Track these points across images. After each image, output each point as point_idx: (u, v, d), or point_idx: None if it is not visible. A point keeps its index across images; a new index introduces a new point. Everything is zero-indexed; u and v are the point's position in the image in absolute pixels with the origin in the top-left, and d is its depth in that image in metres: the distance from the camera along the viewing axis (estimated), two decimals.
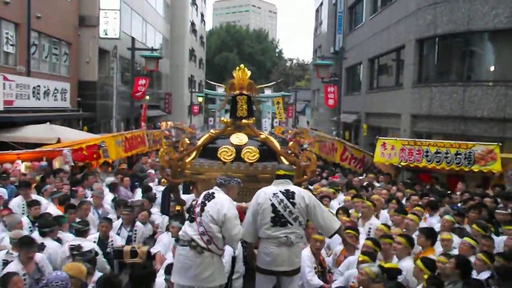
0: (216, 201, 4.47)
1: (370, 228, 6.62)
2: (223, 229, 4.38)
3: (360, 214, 7.13)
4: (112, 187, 9.16)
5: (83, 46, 20.66)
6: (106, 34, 21.02)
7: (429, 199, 8.21)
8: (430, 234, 5.58)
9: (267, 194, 4.62)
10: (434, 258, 4.90)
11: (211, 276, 4.39)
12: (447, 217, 6.50)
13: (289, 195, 4.57)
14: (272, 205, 4.53)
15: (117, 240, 6.53)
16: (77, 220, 6.33)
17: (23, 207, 7.24)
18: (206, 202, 4.48)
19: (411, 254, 5.29)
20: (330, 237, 4.93)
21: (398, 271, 4.69)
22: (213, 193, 4.58)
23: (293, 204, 4.51)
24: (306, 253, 5.34)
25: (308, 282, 5.23)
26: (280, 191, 4.60)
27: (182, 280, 4.42)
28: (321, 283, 5.28)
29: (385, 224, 6.42)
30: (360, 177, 11.67)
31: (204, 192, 4.68)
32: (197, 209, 4.47)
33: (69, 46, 19.78)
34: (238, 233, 4.46)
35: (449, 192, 9.75)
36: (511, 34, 12.88)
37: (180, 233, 4.55)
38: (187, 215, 4.66)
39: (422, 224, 6.62)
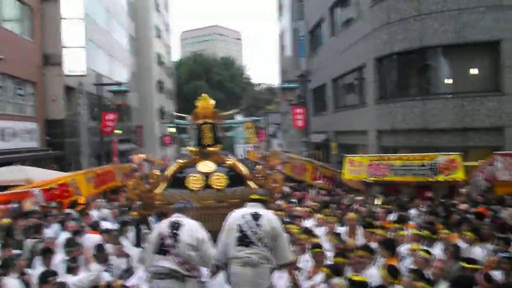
0: (187, 228, 4.57)
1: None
2: (200, 251, 4.52)
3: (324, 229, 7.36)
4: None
5: (48, 85, 20.52)
6: (71, 72, 20.98)
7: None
8: (388, 245, 5.86)
9: (236, 215, 4.79)
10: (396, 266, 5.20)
11: None
12: (411, 230, 6.72)
13: (256, 217, 4.71)
14: (239, 225, 4.67)
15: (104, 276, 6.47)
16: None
17: None
18: (177, 232, 4.53)
19: (375, 263, 5.54)
20: (280, 267, 5.03)
21: (365, 285, 4.87)
22: (177, 221, 4.65)
23: (258, 225, 4.64)
24: (281, 273, 5.48)
25: None
26: (249, 213, 4.76)
27: None
28: None
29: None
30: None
31: (166, 222, 4.69)
32: (169, 241, 4.50)
33: (34, 86, 19.65)
34: (213, 253, 4.65)
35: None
36: (462, 48, 13.61)
37: (153, 268, 4.53)
38: (154, 249, 4.59)
39: None
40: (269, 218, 4.76)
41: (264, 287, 4.62)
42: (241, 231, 4.63)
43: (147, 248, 4.75)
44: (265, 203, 5.02)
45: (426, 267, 5.29)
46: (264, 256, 4.61)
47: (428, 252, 5.57)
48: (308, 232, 7.08)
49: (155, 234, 4.66)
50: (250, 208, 4.86)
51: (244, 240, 4.60)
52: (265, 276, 4.64)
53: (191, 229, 4.57)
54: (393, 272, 4.95)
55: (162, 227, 4.66)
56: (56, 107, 20.79)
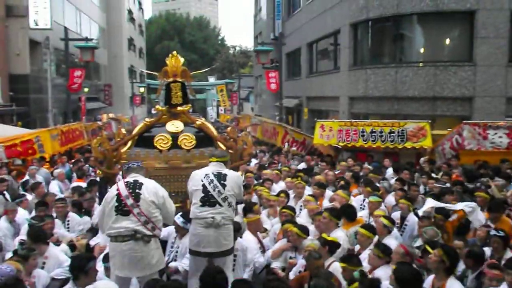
0: (147, 186, 4.45)
1: (301, 206, 6.88)
2: (162, 209, 4.45)
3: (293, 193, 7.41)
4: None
5: (12, 38, 19.63)
6: (36, 25, 20.06)
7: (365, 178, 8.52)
8: (348, 212, 5.95)
9: (198, 175, 4.71)
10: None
11: (160, 260, 4.45)
12: (371, 198, 6.73)
13: (220, 176, 4.65)
14: (203, 185, 4.59)
15: (65, 234, 6.35)
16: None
17: None
18: (138, 191, 4.38)
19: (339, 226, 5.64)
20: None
21: (338, 245, 4.93)
22: (136, 181, 4.48)
23: (224, 185, 4.59)
24: (248, 236, 5.53)
25: (257, 262, 5.38)
26: (212, 173, 4.69)
27: (134, 273, 4.32)
28: (265, 262, 5.42)
29: (311, 195, 6.78)
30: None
31: (121, 184, 4.49)
32: (130, 201, 4.32)
33: None
34: (174, 210, 4.65)
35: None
36: (437, 17, 13.58)
37: (114, 231, 4.31)
38: (113, 212, 4.36)
39: None
40: (233, 176, 4.77)
41: (227, 247, 4.60)
42: (206, 191, 4.57)
43: (103, 211, 4.50)
44: (226, 164, 4.98)
45: (386, 234, 5.36)
46: (227, 216, 4.58)
47: (389, 219, 5.60)
48: (286, 194, 7.13)
49: (112, 195, 4.43)
50: (213, 168, 4.78)
51: (209, 200, 4.54)
52: (228, 237, 4.61)
53: (153, 187, 4.48)
54: (371, 230, 5.22)
55: (120, 188, 4.43)
56: (20, 62, 19.97)
